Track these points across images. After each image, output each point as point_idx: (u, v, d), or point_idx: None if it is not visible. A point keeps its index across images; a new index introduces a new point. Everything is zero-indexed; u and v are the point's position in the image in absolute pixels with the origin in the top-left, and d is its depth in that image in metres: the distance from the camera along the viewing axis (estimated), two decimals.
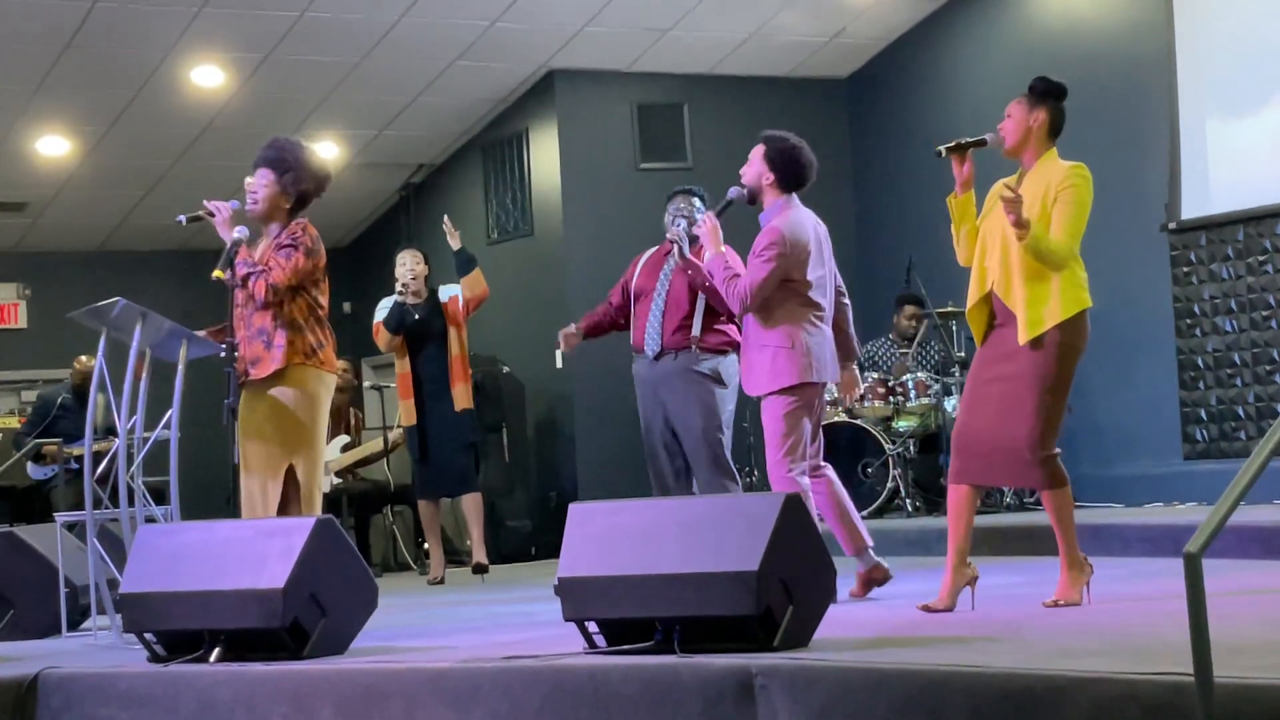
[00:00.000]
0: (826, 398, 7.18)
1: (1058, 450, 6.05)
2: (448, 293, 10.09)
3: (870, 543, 7.09)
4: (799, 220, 7.00)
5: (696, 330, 7.74)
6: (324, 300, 7.07)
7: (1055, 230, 6.00)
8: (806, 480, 6.90)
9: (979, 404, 6.11)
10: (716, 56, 12.92)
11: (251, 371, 6.93)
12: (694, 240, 7.74)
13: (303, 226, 6.97)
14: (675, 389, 7.78)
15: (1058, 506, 6.04)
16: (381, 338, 10.06)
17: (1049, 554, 6.16)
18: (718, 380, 7.76)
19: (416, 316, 10.01)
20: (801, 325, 6.93)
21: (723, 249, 7.13)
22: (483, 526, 10.23)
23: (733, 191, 7.15)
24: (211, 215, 7.00)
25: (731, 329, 7.76)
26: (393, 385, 10.65)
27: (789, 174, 7.02)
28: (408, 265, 10.13)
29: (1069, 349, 6.04)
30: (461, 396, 10.00)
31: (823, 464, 7.16)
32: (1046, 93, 6.22)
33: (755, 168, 7.06)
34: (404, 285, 10.01)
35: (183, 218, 7.17)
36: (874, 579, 7.09)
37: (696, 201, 7.99)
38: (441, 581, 10.16)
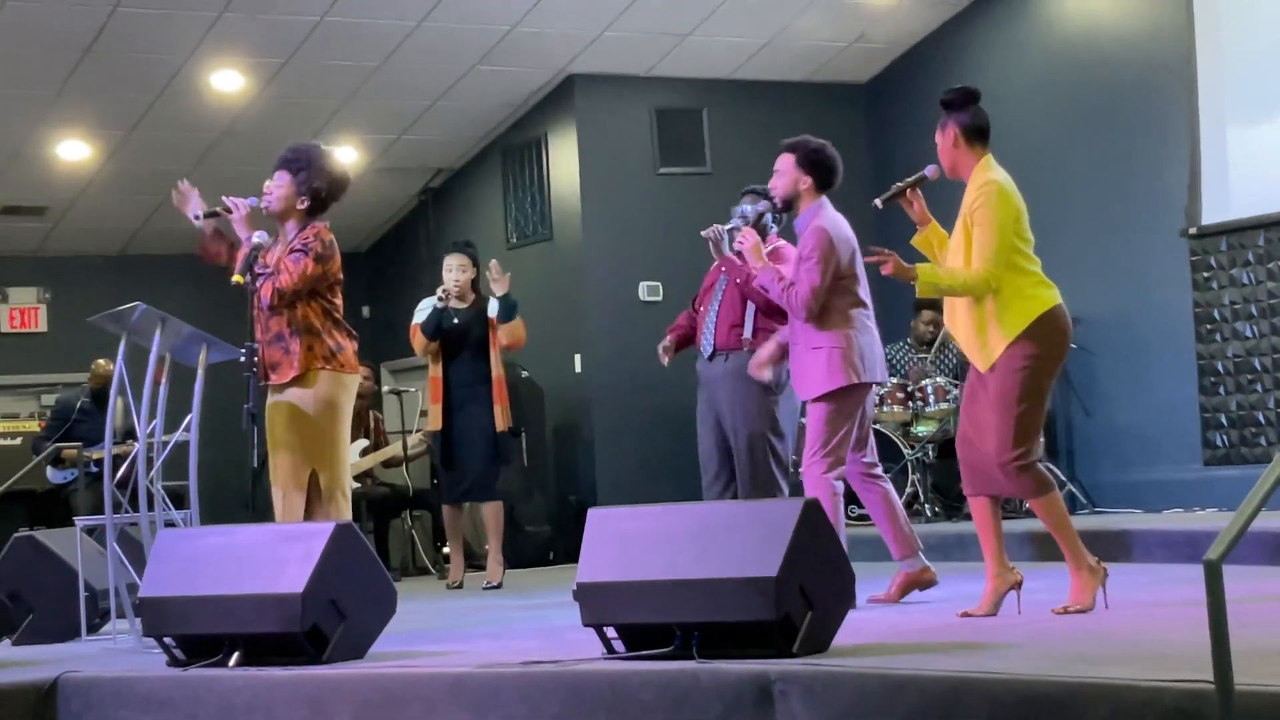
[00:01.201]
0: (873, 398, 7.17)
1: (1037, 457, 5.99)
2: (494, 308, 10.04)
3: (920, 546, 7.10)
4: (838, 219, 7.05)
5: (748, 333, 7.73)
6: (339, 303, 7.07)
7: (974, 257, 5.90)
8: (840, 485, 6.90)
9: (967, 415, 6.10)
10: (736, 61, 12.92)
11: (272, 376, 6.95)
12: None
13: (316, 232, 6.98)
14: (726, 390, 7.76)
15: (1048, 513, 5.97)
16: (417, 342, 10.01)
17: None
18: (768, 387, 7.70)
19: (455, 321, 9.97)
20: (853, 325, 6.95)
21: (766, 261, 7.11)
22: (501, 539, 10.18)
23: (762, 204, 7.16)
24: (229, 211, 7.04)
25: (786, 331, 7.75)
26: (412, 390, 10.64)
27: (824, 175, 7.06)
28: (454, 272, 10.07)
29: (1033, 359, 5.91)
30: (501, 417, 9.99)
31: (877, 464, 7.16)
32: (949, 105, 6.10)
33: (789, 176, 7.05)
34: (445, 291, 9.93)
35: (200, 211, 7.18)
36: (921, 581, 7.07)
37: (764, 204, 7.94)
38: (461, 585, 10.16)
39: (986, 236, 5.90)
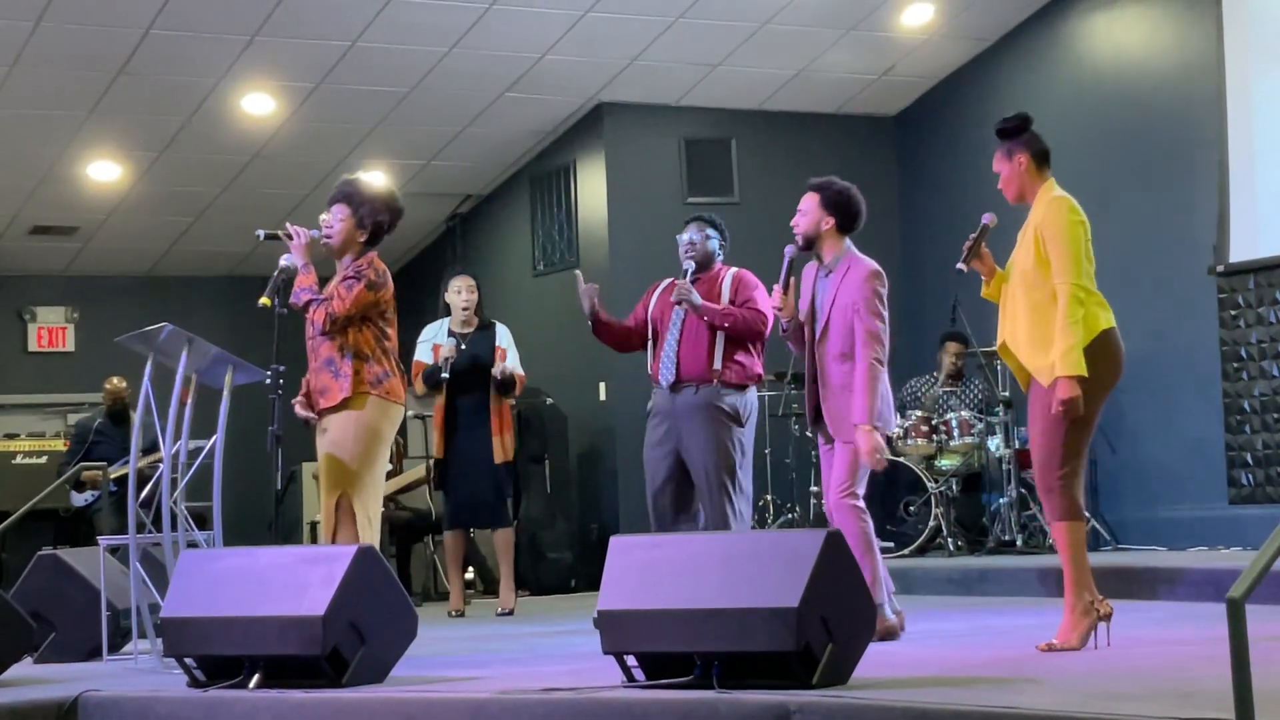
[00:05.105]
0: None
1: (1078, 481, 5.95)
2: (503, 337, 10.01)
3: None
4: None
5: (718, 363, 7.71)
6: (391, 333, 7.14)
7: (1055, 273, 5.90)
8: (863, 504, 6.85)
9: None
10: (765, 92, 12.95)
11: (320, 401, 6.99)
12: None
13: (369, 260, 7.07)
14: (693, 423, 7.68)
15: (1069, 541, 5.90)
16: (417, 384, 9.89)
17: (1110, 595, 6.10)
18: (736, 419, 7.68)
19: (462, 347, 9.94)
20: (882, 369, 6.86)
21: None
22: (512, 565, 10.13)
23: (789, 250, 7.03)
24: (290, 238, 7.09)
25: (751, 361, 7.73)
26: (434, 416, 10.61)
27: (848, 216, 6.94)
28: (463, 294, 10.04)
29: (1087, 381, 5.87)
30: (499, 449, 9.91)
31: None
32: (1015, 131, 6.13)
33: (813, 215, 6.92)
34: (447, 360, 9.81)
35: (261, 233, 7.24)
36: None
37: (711, 231, 7.96)
38: (463, 614, 10.08)
39: (1064, 249, 5.91)
